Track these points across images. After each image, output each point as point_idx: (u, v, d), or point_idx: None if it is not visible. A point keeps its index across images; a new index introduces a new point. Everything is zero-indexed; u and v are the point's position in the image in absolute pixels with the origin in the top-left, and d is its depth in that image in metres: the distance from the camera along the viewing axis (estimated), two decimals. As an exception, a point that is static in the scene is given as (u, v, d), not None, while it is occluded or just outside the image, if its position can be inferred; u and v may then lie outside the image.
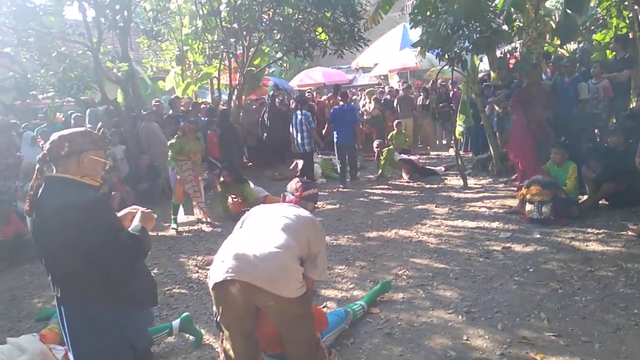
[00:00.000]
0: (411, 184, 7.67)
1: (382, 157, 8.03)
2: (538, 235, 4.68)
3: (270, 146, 10.30)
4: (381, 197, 6.97)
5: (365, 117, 10.57)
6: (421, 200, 6.57)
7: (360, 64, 15.49)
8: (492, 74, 8.64)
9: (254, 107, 11.03)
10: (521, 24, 7.12)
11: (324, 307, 3.51)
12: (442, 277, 3.93)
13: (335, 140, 7.90)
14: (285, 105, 10.73)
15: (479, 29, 5.71)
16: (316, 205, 2.89)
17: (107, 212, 2.02)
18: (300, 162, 8.41)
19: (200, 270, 4.62)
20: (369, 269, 4.27)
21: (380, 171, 8.07)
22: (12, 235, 5.51)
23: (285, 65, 17.59)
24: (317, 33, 9.52)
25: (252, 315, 2.28)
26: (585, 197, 5.47)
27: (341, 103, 8.03)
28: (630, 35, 7.28)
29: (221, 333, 2.41)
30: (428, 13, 6.20)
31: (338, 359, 2.72)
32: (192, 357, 3.09)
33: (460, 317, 3.25)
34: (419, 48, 6.98)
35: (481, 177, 7.51)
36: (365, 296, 3.55)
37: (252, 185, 6.60)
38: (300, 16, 9.22)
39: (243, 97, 10.65)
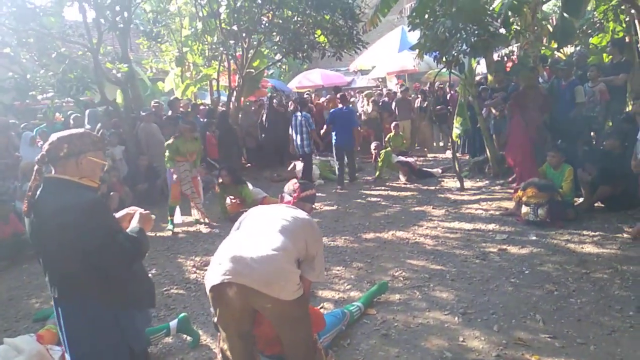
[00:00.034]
0: (408, 185, 7.69)
1: (379, 159, 8.05)
2: (534, 238, 4.70)
3: (269, 147, 10.31)
4: (378, 199, 6.99)
5: (363, 118, 10.59)
6: (418, 202, 6.59)
7: (359, 66, 15.53)
8: (490, 77, 8.69)
9: (253, 108, 11.04)
10: (518, 28, 7.14)
11: (321, 308, 3.52)
12: (439, 279, 3.95)
13: (333, 142, 7.92)
14: (283, 106, 10.75)
15: (476, 32, 5.74)
16: (314, 207, 2.91)
17: (105, 213, 2.03)
18: (298, 164, 8.42)
19: (198, 271, 4.63)
20: (366, 270, 4.29)
21: (377, 173, 8.09)
22: (11, 235, 5.52)
23: (284, 67, 17.65)
24: (316, 35, 9.55)
25: (250, 318, 2.29)
26: (581, 199, 5.51)
27: (340, 105, 8.05)
28: (627, 39, 7.31)
29: (219, 333, 2.42)
30: (426, 16, 6.23)
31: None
32: (189, 357, 3.10)
33: (456, 318, 3.27)
34: (417, 51, 7.01)
35: (478, 180, 7.53)
36: (362, 297, 3.57)
37: (250, 186, 6.62)
38: (299, 18, 9.25)
39: (242, 98, 10.67)
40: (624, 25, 8.03)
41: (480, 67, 9.99)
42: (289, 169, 8.80)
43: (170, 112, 8.97)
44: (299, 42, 9.29)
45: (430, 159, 10.01)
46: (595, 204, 5.38)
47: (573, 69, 6.85)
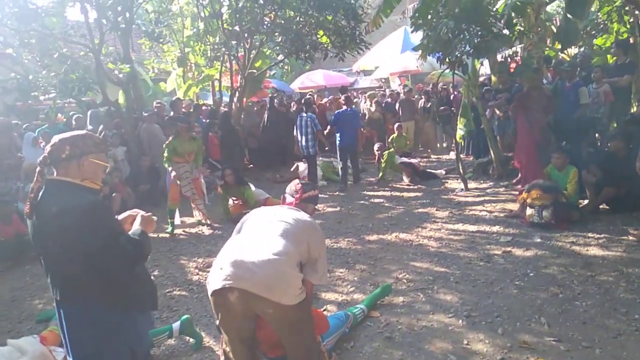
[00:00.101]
0: (412, 187, 7.66)
1: (382, 160, 8.02)
2: (539, 240, 4.67)
3: (271, 148, 10.30)
4: (382, 200, 6.97)
5: (366, 119, 10.58)
6: (422, 203, 6.57)
7: (362, 66, 15.53)
8: (493, 78, 8.66)
9: (255, 109, 11.05)
10: (522, 29, 7.12)
11: (324, 311, 3.50)
12: (443, 281, 3.92)
13: (337, 143, 7.90)
14: (285, 106, 10.74)
15: (479, 33, 5.73)
16: (316, 208, 2.89)
17: (106, 215, 2.02)
18: (301, 165, 8.40)
19: (200, 273, 4.61)
20: (369, 272, 4.27)
21: (381, 174, 8.07)
22: (13, 235, 5.52)
23: (286, 67, 17.65)
24: (318, 36, 9.54)
25: (251, 322, 2.27)
26: (586, 201, 5.47)
27: (344, 107, 8.01)
28: (631, 40, 7.30)
29: (221, 336, 2.41)
30: (429, 17, 6.21)
31: (338, 362, 2.72)
32: (192, 359, 3.09)
33: (460, 321, 3.25)
34: (420, 51, 6.99)
35: (482, 181, 7.51)
36: (366, 299, 3.55)
37: (252, 187, 6.60)
38: (301, 19, 9.24)
39: (244, 99, 10.67)
40: (628, 26, 8.02)
41: (484, 68, 9.97)
42: (291, 169, 8.79)
43: (172, 113, 8.96)
44: (302, 43, 9.28)
45: (434, 160, 9.98)
46: (600, 206, 5.35)
47: (577, 70, 6.84)
